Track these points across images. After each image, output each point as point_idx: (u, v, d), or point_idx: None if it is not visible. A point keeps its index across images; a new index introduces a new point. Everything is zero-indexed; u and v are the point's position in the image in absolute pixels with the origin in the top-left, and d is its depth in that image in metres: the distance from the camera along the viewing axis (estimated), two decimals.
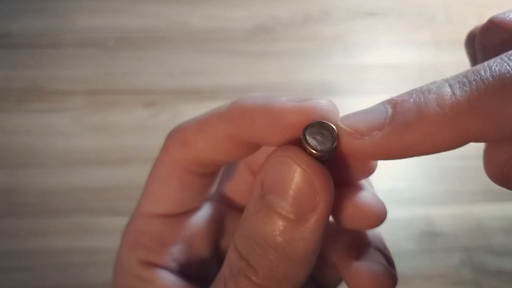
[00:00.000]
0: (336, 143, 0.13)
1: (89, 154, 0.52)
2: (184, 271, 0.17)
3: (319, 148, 0.13)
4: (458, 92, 0.11)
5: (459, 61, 0.62)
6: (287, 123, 0.13)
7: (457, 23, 0.65)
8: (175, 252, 0.17)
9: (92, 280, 0.45)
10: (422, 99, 0.12)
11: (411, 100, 0.12)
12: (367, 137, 0.12)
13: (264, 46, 0.61)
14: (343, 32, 0.63)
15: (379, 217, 0.15)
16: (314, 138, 0.13)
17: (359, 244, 0.16)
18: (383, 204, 0.15)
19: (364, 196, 0.15)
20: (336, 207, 0.15)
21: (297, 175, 0.13)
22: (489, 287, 0.46)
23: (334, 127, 0.13)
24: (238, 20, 0.63)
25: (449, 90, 0.12)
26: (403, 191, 0.51)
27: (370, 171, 0.15)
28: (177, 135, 0.16)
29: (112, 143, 0.53)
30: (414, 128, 0.11)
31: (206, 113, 0.16)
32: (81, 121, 0.54)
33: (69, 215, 0.48)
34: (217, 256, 0.19)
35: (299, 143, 0.13)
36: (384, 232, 0.18)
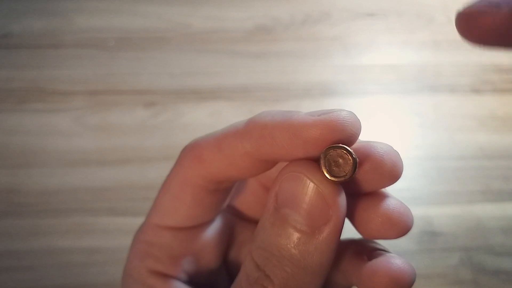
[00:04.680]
0: (354, 171, 0.13)
1: (89, 154, 0.52)
2: (193, 281, 0.17)
3: (335, 175, 0.13)
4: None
5: (458, 62, 0.62)
6: (309, 138, 0.13)
7: None
8: (185, 264, 0.17)
9: (92, 280, 0.45)
10: None
11: None
12: None
13: (264, 46, 0.61)
14: (342, 33, 0.63)
15: (408, 225, 0.15)
16: (332, 163, 0.13)
17: (367, 248, 0.16)
18: (410, 211, 0.15)
19: (392, 204, 0.15)
20: (361, 217, 0.15)
21: (310, 191, 0.13)
22: (488, 287, 0.46)
23: (353, 154, 0.13)
24: (238, 21, 0.63)
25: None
26: (402, 191, 0.51)
27: (394, 178, 0.15)
28: (193, 152, 0.16)
29: (113, 143, 0.53)
30: None
31: (223, 130, 0.15)
32: (82, 121, 0.54)
33: (70, 215, 0.48)
34: (226, 265, 0.19)
35: (318, 160, 0.13)
36: None
